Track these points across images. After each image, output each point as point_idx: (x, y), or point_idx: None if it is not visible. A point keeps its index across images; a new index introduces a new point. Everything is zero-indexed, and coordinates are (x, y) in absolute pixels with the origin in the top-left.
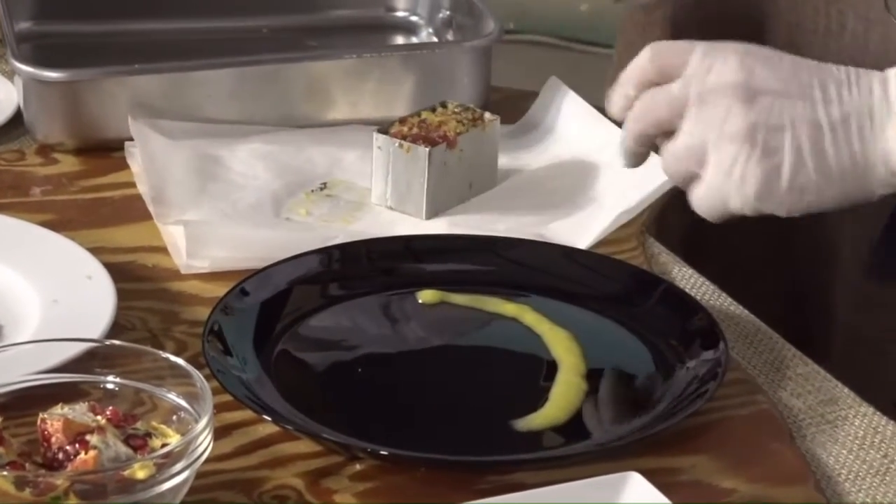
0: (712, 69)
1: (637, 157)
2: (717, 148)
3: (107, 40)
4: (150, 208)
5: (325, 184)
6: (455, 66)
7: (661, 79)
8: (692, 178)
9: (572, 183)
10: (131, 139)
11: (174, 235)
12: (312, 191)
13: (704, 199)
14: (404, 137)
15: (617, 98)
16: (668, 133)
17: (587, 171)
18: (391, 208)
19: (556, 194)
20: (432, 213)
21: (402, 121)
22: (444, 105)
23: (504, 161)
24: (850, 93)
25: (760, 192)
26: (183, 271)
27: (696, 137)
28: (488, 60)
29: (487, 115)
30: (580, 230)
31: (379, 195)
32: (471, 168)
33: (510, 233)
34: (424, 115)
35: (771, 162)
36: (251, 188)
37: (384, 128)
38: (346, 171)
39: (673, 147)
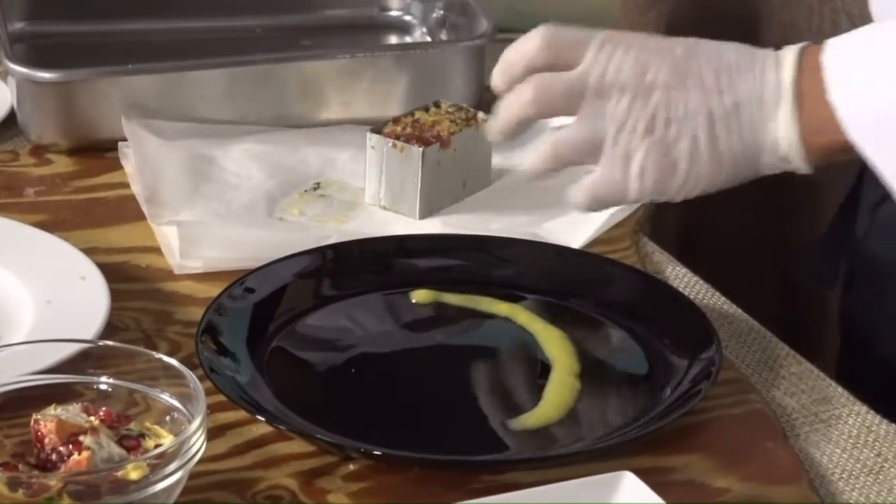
0: (610, 62)
1: (509, 135)
2: (615, 142)
3: (100, 40)
4: (144, 209)
5: (318, 184)
6: (449, 66)
7: (551, 67)
8: (580, 164)
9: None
10: (125, 139)
11: (167, 236)
12: (306, 191)
13: (599, 190)
14: (398, 137)
15: (501, 75)
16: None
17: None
18: (385, 208)
19: (550, 193)
20: (426, 212)
21: (396, 120)
22: (437, 105)
23: (497, 160)
24: (742, 79)
25: (658, 184)
26: (176, 271)
27: (592, 130)
28: (482, 60)
29: (481, 114)
30: (574, 229)
31: (372, 195)
32: (464, 167)
33: (504, 232)
34: (418, 114)
35: (669, 154)
36: (245, 188)
37: (377, 127)
38: (338, 171)
39: (567, 135)
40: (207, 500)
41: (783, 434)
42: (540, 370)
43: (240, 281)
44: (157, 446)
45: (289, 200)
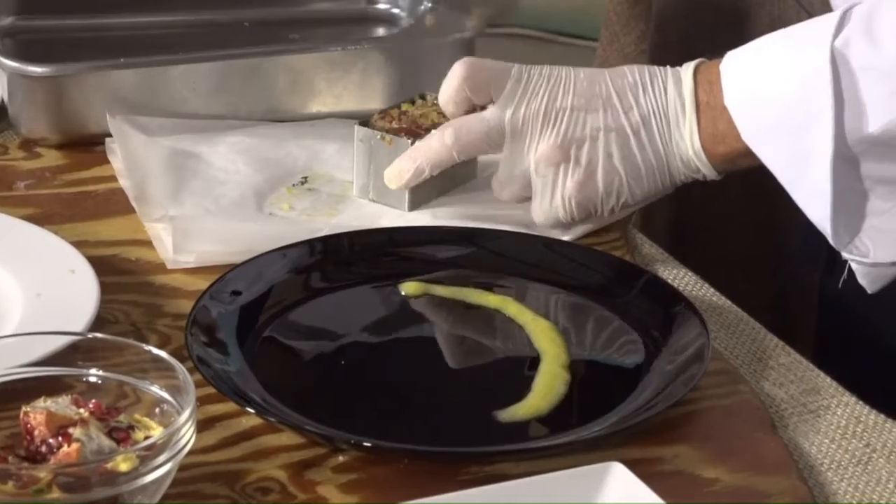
0: (524, 98)
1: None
2: (536, 172)
3: (90, 34)
4: (134, 206)
5: (305, 178)
6: (437, 59)
7: (475, 98)
8: (523, 198)
9: None
10: (111, 135)
11: (158, 230)
12: (294, 185)
13: (540, 217)
14: (386, 130)
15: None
16: None
17: None
18: (373, 201)
19: None
20: (415, 204)
21: (383, 113)
22: (423, 97)
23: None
24: (645, 95)
25: (582, 205)
26: (169, 266)
27: (515, 166)
28: (471, 52)
29: None
30: None
31: (361, 188)
32: None
33: (493, 224)
34: (405, 107)
35: (586, 172)
36: (232, 183)
37: (365, 120)
38: (325, 165)
39: (499, 177)
40: (197, 492)
41: (772, 425)
42: (529, 361)
43: (229, 273)
44: (146, 438)
45: (277, 195)
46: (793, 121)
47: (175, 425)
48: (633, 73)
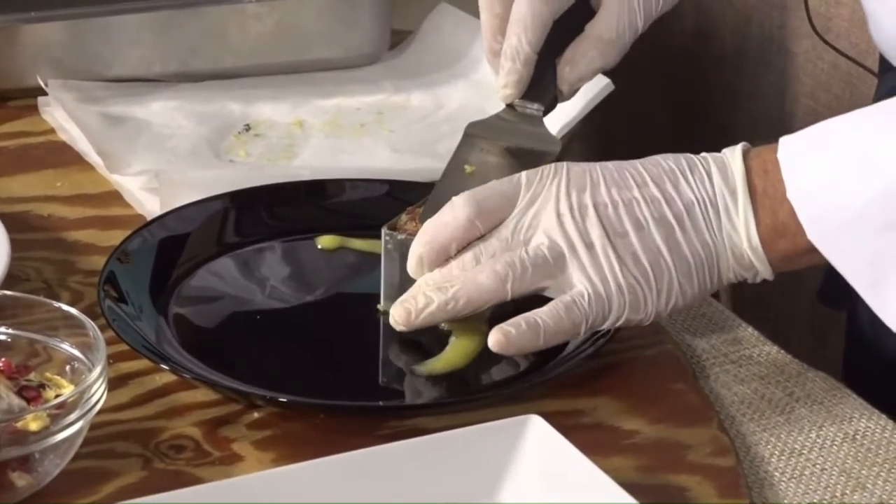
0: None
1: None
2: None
3: None
4: (98, 161)
5: (248, 125)
6: (355, 8)
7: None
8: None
9: None
10: (27, 89)
11: (124, 185)
12: (239, 133)
13: (592, 308)
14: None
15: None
16: None
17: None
18: None
19: None
20: None
21: (411, 213)
22: None
23: (423, 99)
24: (687, 183)
25: (632, 303)
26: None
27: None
28: (389, 2)
29: None
30: None
31: (390, 298)
32: None
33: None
34: None
35: (639, 263)
36: (180, 137)
37: (393, 223)
38: (261, 112)
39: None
40: (110, 451)
41: (693, 375)
42: None
43: (142, 229)
44: (57, 397)
45: (227, 144)
46: (869, 222)
47: (85, 383)
48: (665, 160)
